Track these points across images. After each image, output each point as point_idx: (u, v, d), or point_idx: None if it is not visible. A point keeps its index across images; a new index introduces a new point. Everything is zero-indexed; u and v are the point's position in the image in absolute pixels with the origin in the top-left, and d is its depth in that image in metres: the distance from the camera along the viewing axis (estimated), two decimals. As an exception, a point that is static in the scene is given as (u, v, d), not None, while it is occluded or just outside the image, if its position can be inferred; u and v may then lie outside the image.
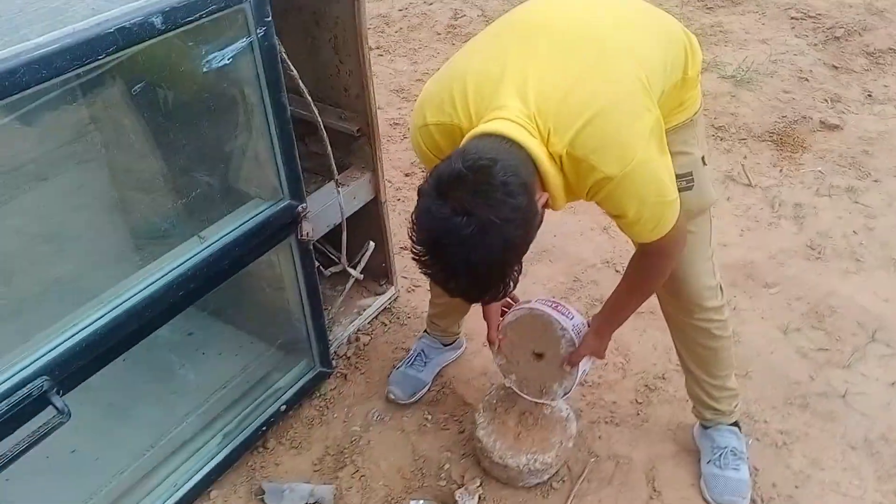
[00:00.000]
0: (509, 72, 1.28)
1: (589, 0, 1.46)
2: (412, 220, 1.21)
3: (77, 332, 1.37)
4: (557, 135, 1.24)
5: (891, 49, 3.69)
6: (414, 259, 1.23)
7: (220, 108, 1.66)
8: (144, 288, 1.47)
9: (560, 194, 1.31)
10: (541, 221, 1.28)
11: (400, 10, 4.46)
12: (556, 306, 1.71)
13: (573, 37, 1.33)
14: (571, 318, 1.70)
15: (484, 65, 1.32)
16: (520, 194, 1.16)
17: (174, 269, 1.52)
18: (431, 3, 4.52)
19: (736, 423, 1.88)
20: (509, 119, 1.24)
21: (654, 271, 1.53)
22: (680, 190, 1.53)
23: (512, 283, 1.25)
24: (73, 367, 1.36)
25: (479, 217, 1.13)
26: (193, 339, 2.14)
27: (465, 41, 1.51)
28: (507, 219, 1.14)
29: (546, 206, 1.30)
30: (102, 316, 1.41)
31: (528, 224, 1.19)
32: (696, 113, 1.54)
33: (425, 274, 1.23)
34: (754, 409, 2.03)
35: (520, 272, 1.25)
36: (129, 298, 1.45)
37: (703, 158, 1.56)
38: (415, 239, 1.20)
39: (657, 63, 1.37)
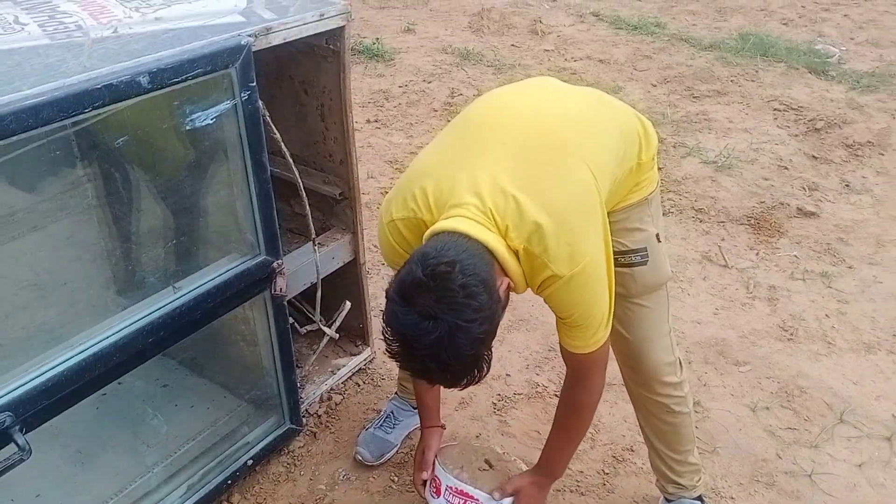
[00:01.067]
0: (466, 169, 1.35)
1: (544, 95, 1.53)
2: (382, 322, 1.27)
3: (43, 373, 1.40)
4: (515, 231, 1.31)
5: (869, 142, 3.80)
6: (390, 357, 1.29)
7: (202, 164, 1.74)
8: (114, 333, 1.51)
9: (521, 281, 1.37)
10: (506, 304, 1.35)
11: (400, 87, 4.63)
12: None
13: (528, 134, 1.39)
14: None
15: (441, 163, 1.40)
16: (480, 294, 1.21)
17: (145, 316, 1.56)
18: (430, 82, 4.69)
19: (700, 498, 1.89)
20: (466, 216, 1.31)
21: (588, 398, 1.56)
22: (635, 265, 1.60)
23: (486, 368, 1.31)
24: (38, 406, 1.39)
25: (446, 321, 1.19)
26: (167, 390, 2.16)
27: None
28: (471, 319, 1.20)
29: (510, 289, 1.36)
30: (70, 358, 1.44)
31: (492, 318, 1.25)
32: (651, 192, 1.61)
33: (403, 369, 1.30)
34: (721, 485, 2.03)
35: (490, 357, 1.31)
36: (98, 343, 1.48)
37: (657, 235, 1.62)
38: (387, 339, 1.27)
39: (610, 158, 1.44)
